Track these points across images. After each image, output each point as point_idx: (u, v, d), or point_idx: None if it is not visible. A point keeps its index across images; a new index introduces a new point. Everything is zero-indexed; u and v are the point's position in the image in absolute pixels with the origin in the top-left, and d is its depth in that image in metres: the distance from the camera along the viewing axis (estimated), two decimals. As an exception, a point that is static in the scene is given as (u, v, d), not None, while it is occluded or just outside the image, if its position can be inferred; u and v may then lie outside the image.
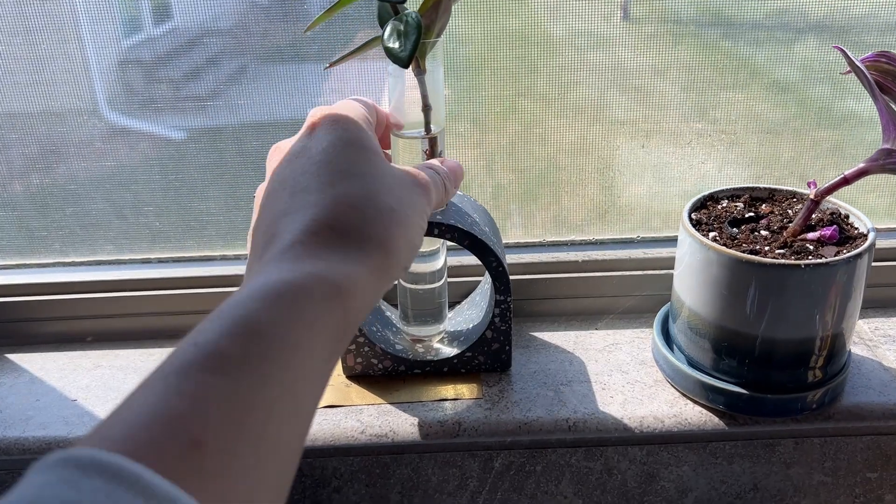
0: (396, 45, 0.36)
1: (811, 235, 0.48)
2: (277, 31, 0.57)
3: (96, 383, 0.56)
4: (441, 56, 0.41)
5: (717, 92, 0.60)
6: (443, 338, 0.56)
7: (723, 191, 0.54)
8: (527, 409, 0.51)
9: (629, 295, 0.61)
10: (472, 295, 0.60)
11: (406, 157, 0.44)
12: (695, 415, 0.50)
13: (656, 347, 0.54)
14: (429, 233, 0.48)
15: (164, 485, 0.19)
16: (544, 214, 0.63)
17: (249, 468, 0.22)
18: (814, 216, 0.50)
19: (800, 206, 0.52)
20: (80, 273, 0.62)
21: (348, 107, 0.35)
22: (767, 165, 0.62)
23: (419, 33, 0.35)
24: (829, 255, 0.46)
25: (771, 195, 0.54)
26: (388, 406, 0.52)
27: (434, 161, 0.39)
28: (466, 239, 0.48)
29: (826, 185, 0.48)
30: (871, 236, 0.47)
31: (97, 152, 0.61)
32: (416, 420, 0.50)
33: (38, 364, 0.59)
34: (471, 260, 0.61)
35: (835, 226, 0.48)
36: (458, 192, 0.53)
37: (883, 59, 0.46)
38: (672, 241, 0.62)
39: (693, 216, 0.51)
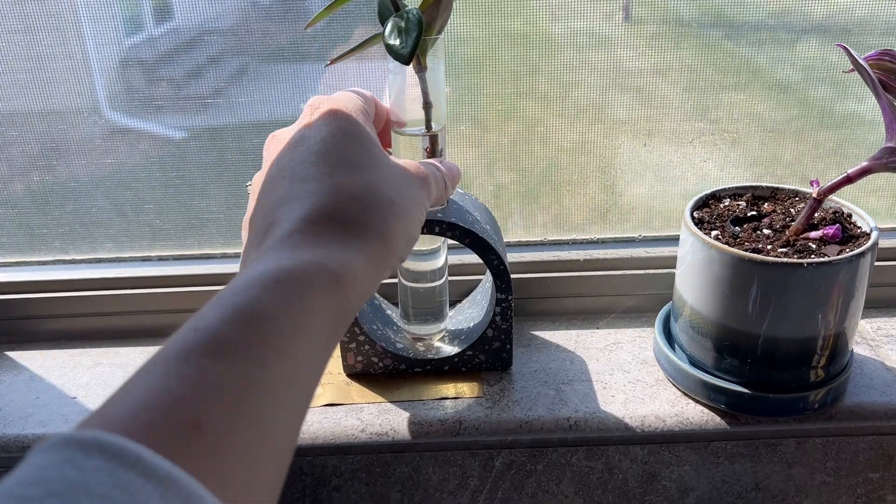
0: (397, 41, 0.36)
1: (814, 234, 0.48)
2: (278, 30, 0.57)
3: (96, 381, 0.56)
4: (442, 53, 0.41)
5: (718, 92, 0.60)
6: (443, 336, 0.56)
7: (725, 189, 0.54)
8: (528, 408, 0.51)
9: (630, 294, 0.61)
10: (472, 293, 0.60)
11: (407, 154, 0.44)
12: (696, 414, 0.50)
13: (658, 346, 0.54)
14: (430, 230, 0.48)
15: (164, 465, 0.19)
16: (545, 215, 0.63)
17: (249, 450, 0.22)
18: (816, 215, 0.49)
19: (802, 205, 0.52)
20: (80, 271, 0.62)
21: (347, 97, 0.35)
22: (769, 166, 0.62)
23: (420, 30, 0.35)
24: (832, 254, 0.45)
25: (773, 194, 0.54)
26: (389, 405, 0.51)
27: (434, 159, 0.39)
28: (467, 237, 0.48)
29: (829, 183, 0.48)
30: (874, 235, 0.47)
31: (98, 150, 0.61)
32: (416, 419, 0.50)
33: (38, 362, 0.59)
34: (471, 258, 0.61)
35: (837, 224, 0.48)
36: (459, 191, 0.53)
37: (886, 58, 0.46)
38: (673, 240, 0.62)
39: (695, 215, 0.51)
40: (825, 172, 0.61)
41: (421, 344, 0.55)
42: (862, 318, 0.58)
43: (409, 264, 0.52)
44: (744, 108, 0.60)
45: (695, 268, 0.48)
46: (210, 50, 0.58)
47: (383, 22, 0.38)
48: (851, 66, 0.46)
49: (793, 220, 0.50)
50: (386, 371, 0.54)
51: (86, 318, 0.61)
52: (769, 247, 0.47)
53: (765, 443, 0.51)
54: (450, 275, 0.55)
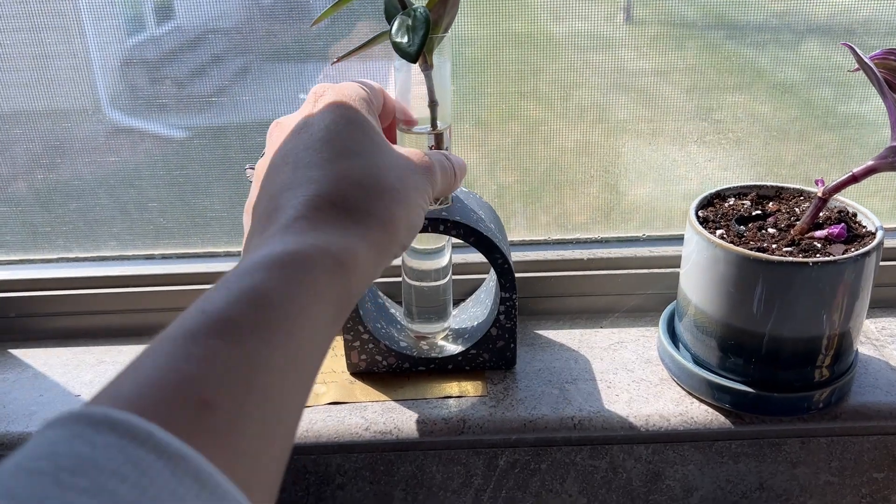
0: (405, 39, 0.36)
1: (819, 233, 0.48)
2: (281, 29, 0.57)
3: (100, 379, 0.56)
4: (448, 52, 0.41)
5: (720, 93, 0.60)
6: (447, 335, 0.56)
7: (730, 189, 0.54)
8: (532, 407, 0.51)
9: (634, 293, 0.61)
10: (476, 292, 0.60)
11: (412, 152, 0.44)
12: (701, 413, 0.50)
13: (662, 346, 0.54)
14: (434, 229, 0.48)
15: (175, 442, 0.19)
16: (546, 216, 0.63)
17: (256, 429, 0.22)
18: (821, 214, 0.49)
19: (807, 204, 0.52)
20: (83, 269, 0.62)
21: (351, 86, 0.36)
22: (771, 167, 0.62)
23: (427, 28, 0.35)
24: (838, 254, 0.45)
25: (778, 193, 0.54)
26: (393, 403, 0.51)
27: (444, 151, 0.39)
28: (472, 235, 0.48)
29: (834, 182, 0.48)
30: (879, 234, 0.46)
31: (101, 149, 0.61)
32: (420, 417, 0.50)
33: (42, 360, 0.59)
34: (475, 257, 0.61)
35: (843, 224, 0.48)
36: (464, 189, 0.53)
37: (892, 57, 0.46)
38: (677, 239, 0.62)
39: (700, 214, 0.51)
40: (827, 173, 0.61)
41: (424, 343, 0.55)
42: (866, 317, 0.58)
43: (414, 263, 0.52)
44: (746, 109, 0.60)
45: (699, 267, 0.48)
46: (212, 49, 0.58)
47: (389, 20, 0.38)
48: (857, 66, 0.46)
49: (797, 220, 0.50)
50: (390, 369, 0.54)
51: (89, 316, 0.61)
52: (774, 246, 0.47)
53: (769, 442, 0.51)
54: (453, 274, 0.55)
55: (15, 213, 0.62)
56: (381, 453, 0.50)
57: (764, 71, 0.60)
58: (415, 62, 0.36)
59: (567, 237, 0.63)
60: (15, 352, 0.60)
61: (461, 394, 0.52)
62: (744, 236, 0.48)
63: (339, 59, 0.41)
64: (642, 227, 0.63)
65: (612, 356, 0.56)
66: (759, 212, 0.51)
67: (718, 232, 0.49)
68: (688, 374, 0.51)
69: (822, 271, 0.44)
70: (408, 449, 0.50)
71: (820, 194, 0.48)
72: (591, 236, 0.63)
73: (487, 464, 0.51)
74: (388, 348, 0.53)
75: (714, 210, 0.52)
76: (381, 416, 0.50)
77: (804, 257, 0.45)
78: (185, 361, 0.22)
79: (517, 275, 0.51)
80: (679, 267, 0.52)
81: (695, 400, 0.51)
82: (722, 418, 0.49)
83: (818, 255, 0.45)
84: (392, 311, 0.57)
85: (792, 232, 0.48)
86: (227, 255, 0.63)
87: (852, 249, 0.46)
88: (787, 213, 0.51)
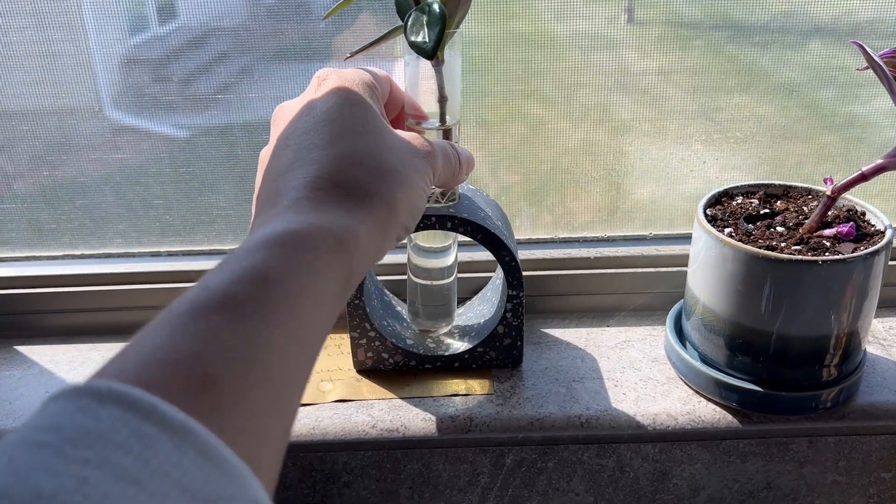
0: (420, 36, 0.35)
1: (828, 232, 0.48)
2: (287, 27, 0.57)
3: (106, 376, 0.56)
4: (459, 47, 0.41)
5: (723, 94, 0.60)
6: (454, 333, 0.55)
7: (737, 187, 0.53)
8: (538, 406, 0.50)
9: (641, 292, 0.61)
10: (483, 290, 0.60)
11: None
12: (708, 412, 0.50)
13: (669, 344, 0.54)
14: (442, 226, 0.48)
15: (179, 415, 0.19)
16: (548, 217, 0.63)
17: (258, 406, 0.22)
18: (830, 213, 0.49)
19: (815, 203, 0.52)
20: (89, 266, 0.62)
21: (355, 71, 0.36)
22: (774, 167, 0.62)
23: (443, 24, 0.35)
24: (846, 252, 0.45)
25: (786, 192, 0.53)
26: (399, 401, 0.51)
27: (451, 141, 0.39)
28: (479, 233, 0.48)
29: (843, 181, 0.47)
30: (888, 233, 0.46)
31: (106, 146, 0.60)
32: (427, 415, 0.50)
33: (48, 356, 0.59)
34: (481, 255, 0.60)
35: (851, 222, 0.48)
36: (471, 187, 0.53)
37: (901, 55, 0.45)
38: (684, 238, 0.62)
39: (708, 212, 0.51)
40: (830, 174, 0.61)
41: (430, 340, 0.55)
42: (874, 317, 0.58)
43: (420, 261, 0.52)
44: (749, 110, 0.60)
45: (707, 265, 0.48)
46: (215, 48, 0.58)
47: (401, 14, 0.37)
48: (865, 64, 0.45)
49: (806, 218, 0.50)
50: (396, 367, 0.54)
51: (95, 314, 0.61)
52: (783, 244, 0.47)
53: (777, 441, 0.50)
54: (459, 272, 0.55)
55: (20, 210, 0.62)
56: (388, 451, 0.50)
57: (767, 72, 0.60)
58: (431, 59, 0.36)
59: (574, 235, 0.63)
60: (21, 348, 0.60)
61: (468, 392, 0.52)
62: (752, 235, 0.48)
63: (353, 55, 0.41)
64: (646, 227, 0.63)
65: (618, 355, 0.56)
66: (767, 210, 0.51)
67: (727, 230, 0.48)
68: (695, 373, 0.51)
69: (831, 270, 0.44)
70: (414, 447, 0.50)
71: (829, 193, 0.48)
72: (597, 235, 0.63)
73: (494, 462, 0.51)
74: (394, 346, 0.53)
75: (722, 208, 0.51)
76: (388, 413, 0.50)
77: (813, 256, 0.45)
78: (189, 337, 0.22)
79: (523, 273, 0.51)
80: (686, 265, 0.52)
81: (702, 399, 0.51)
82: (729, 417, 0.49)
83: (827, 254, 0.45)
84: (398, 308, 0.57)
85: (800, 230, 0.48)
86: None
87: (861, 248, 0.45)
88: (796, 211, 0.51)
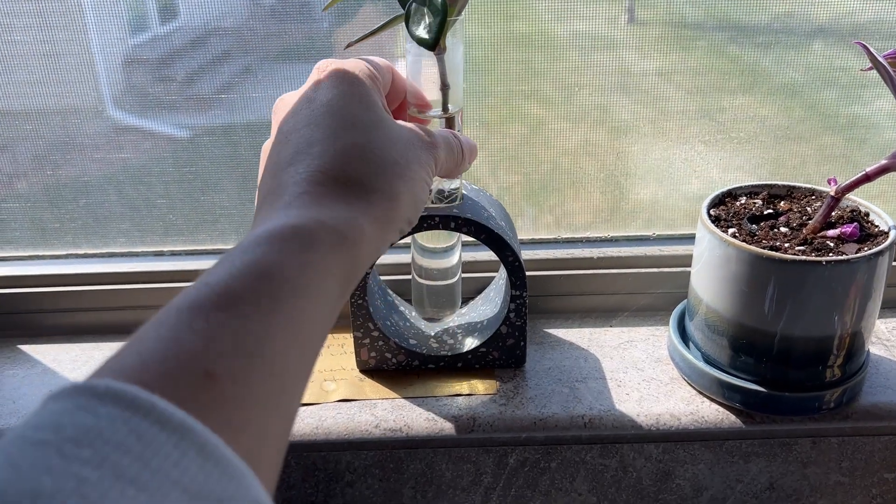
0: (421, 26, 0.35)
1: (831, 232, 0.48)
2: (287, 27, 0.57)
3: (109, 375, 0.56)
4: (461, 34, 0.40)
5: (725, 95, 0.59)
6: (457, 333, 0.55)
7: (741, 187, 0.53)
8: (542, 406, 0.50)
9: (644, 292, 0.61)
10: (485, 291, 0.60)
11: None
12: (711, 412, 0.50)
13: (672, 344, 0.54)
14: (445, 226, 0.48)
15: (178, 414, 0.19)
16: (548, 217, 0.63)
17: (259, 402, 0.22)
18: (834, 213, 0.49)
19: (818, 203, 0.52)
20: (92, 265, 0.62)
21: (355, 62, 0.35)
22: (775, 168, 0.62)
23: (445, 14, 0.35)
24: (850, 253, 0.45)
25: (789, 192, 0.53)
26: (402, 401, 0.51)
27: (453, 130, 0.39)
28: (483, 233, 0.48)
29: (847, 181, 0.47)
30: (892, 234, 0.46)
31: (110, 146, 0.60)
32: (430, 415, 0.50)
33: (51, 355, 0.59)
34: (484, 255, 0.60)
35: (855, 223, 0.48)
36: (474, 187, 0.53)
37: (905, 56, 0.45)
38: (688, 238, 0.62)
39: (711, 212, 0.51)
40: (832, 175, 0.61)
41: (434, 340, 0.55)
42: (878, 318, 0.58)
43: (424, 261, 0.52)
44: (750, 111, 0.60)
45: (711, 265, 0.48)
46: (216, 48, 0.58)
47: (403, 3, 0.37)
48: (869, 65, 0.45)
49: (809, 219, 0.50)
50: (399, 367, 0.54)
51: (98, 313, 0.61)
52: (787, 245, 0.47)
53: (780, 442, 0.50)
54: (463, 272, 0.55)
55: (24, 210, 0.62)
56: (391, 451, 0.50)
57: (768, 73, 0.60)
58: (433, 49, 0.36)
59: (577, 236, 0.63)
60: (24, 347, 0.60)
61: (471, 392, 0.52)
62: (756, 235, 0.48)
63: (352, 44, 0.40)
64: (648, 228, 0.63)
65: (622, 355, 0.56)
66: (770, 211, 0.51)
67: (730, 231, 0.48)
68: (698, 373, 0.51)
69: (834, 270, 0.44)
70: (417, 447, 0.50)
71: (833, 193, 0.48)
72: (601, 235, 0.63)
73: (497, 462, 0.51)
74: (397, 346, 0.53)
75: (725, 209, 0.51)
76: (391, 413, 0.50)
77: (817, 256, 0.45)
78: (189, 334, 0.22)
79: (527, 273, 0.51)
80: (689, 266, 0.52)
81: (705, 399, 0.51)
82: (733, 417, 0.49)
83: (831, 255, 0.45)
84: (402, 308, 0.57)
85: (804, 231, 0.48)
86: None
87: (865, 249, 0.45)
88: (799, 212, 0.51)
